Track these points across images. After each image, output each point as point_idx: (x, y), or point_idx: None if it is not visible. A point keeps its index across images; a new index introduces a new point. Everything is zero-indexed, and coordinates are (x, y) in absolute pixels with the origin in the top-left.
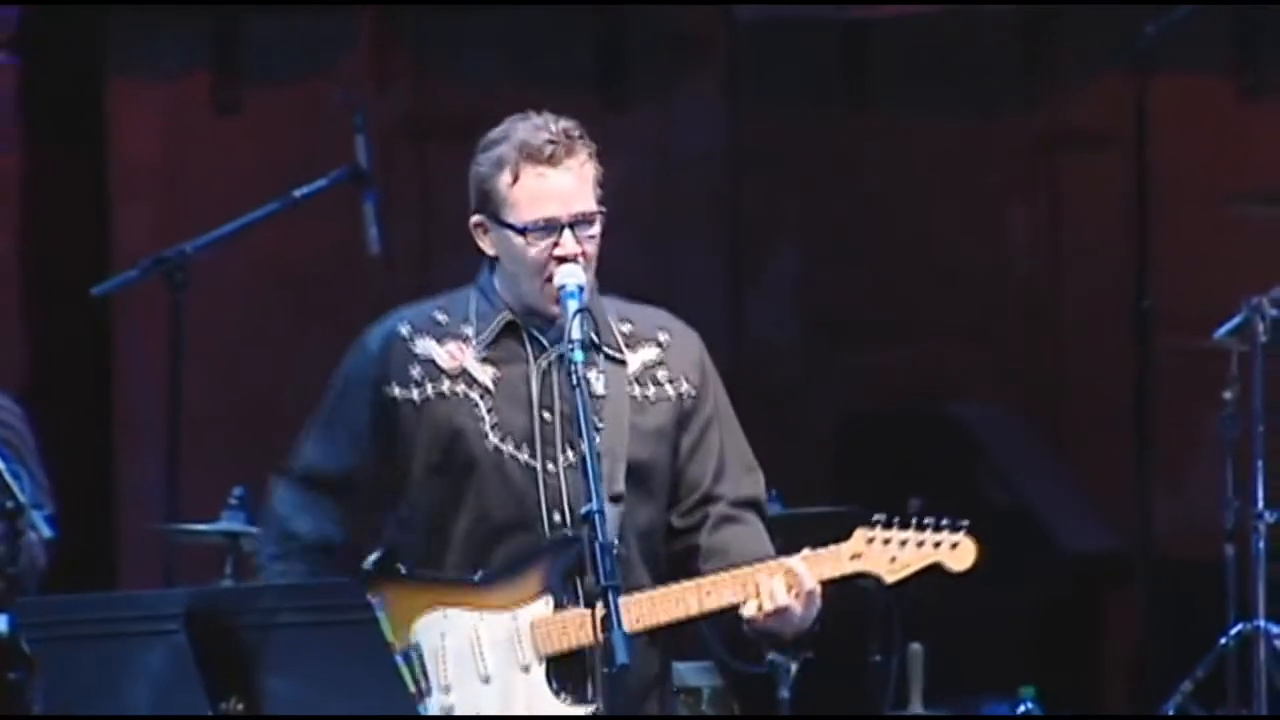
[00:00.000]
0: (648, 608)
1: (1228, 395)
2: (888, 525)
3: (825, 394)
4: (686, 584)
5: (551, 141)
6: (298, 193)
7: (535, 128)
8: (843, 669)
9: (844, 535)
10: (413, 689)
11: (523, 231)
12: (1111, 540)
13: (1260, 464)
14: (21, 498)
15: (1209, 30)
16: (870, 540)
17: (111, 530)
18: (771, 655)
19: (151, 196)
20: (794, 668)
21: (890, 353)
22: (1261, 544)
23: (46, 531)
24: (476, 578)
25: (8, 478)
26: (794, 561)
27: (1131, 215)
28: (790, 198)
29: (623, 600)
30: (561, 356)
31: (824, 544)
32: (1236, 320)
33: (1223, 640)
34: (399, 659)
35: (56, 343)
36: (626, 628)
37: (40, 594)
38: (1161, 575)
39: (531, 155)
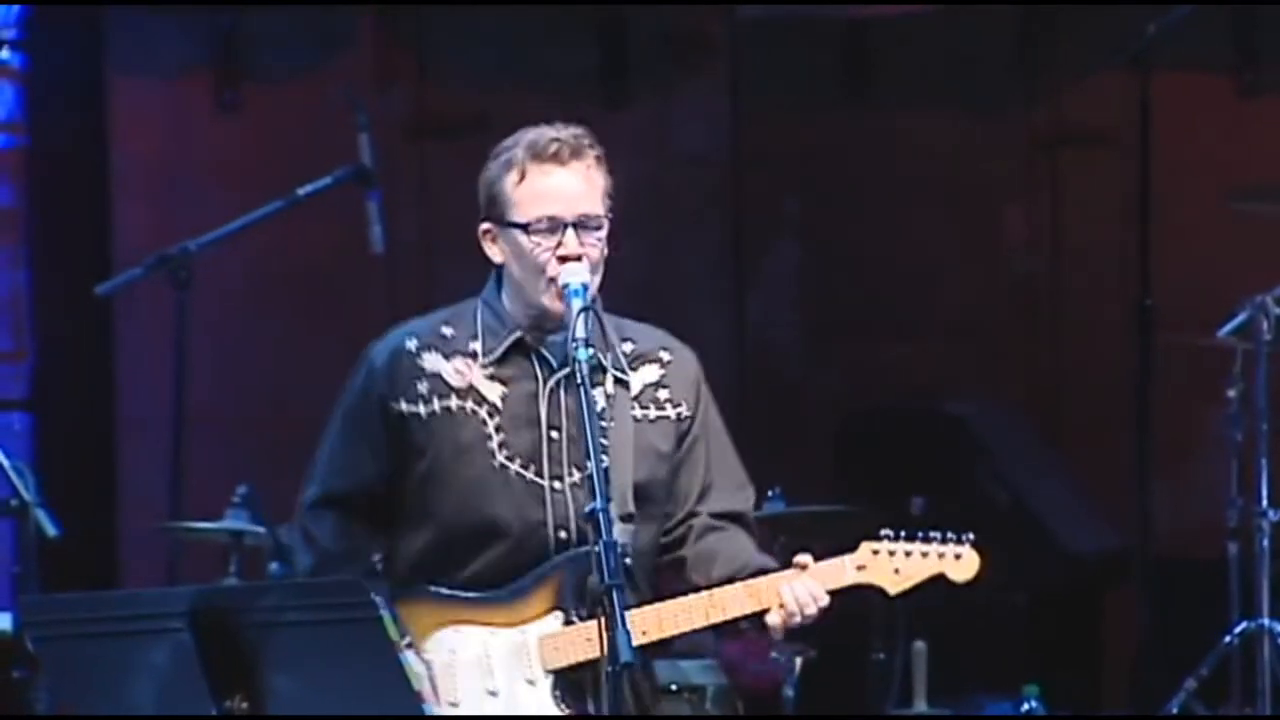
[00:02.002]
0: (653, 621)
1: (1231, 394)
2: (894, 538)
3: (826, 392)
4: (694, 598)
5: (557, 140)
6: (302, 191)
7: (543, 131)
8: (847, 667)
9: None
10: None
11: (526, 229)
12: (1114, 539)
13: (1264, 463)
14: (27, 495)
15: (1208, 28)
16: (875, 552)
17: (115, 528)
18: (774, 653)
19: (154, 195)
20: (798, 666)
21: (891, 351)
22: (1265, 542)
23: (51, 530)
24: (491, 596)
25: (12, 475)
26: (806, 578)
27: (1132, 213)
28: (790, 197)
29: (631, 613)
30: (569, 375)
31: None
32: (1240, 319)
33: (1227, 639)
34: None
35: (60, 341)
36: (634, 641)
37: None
38: (1164, 574)
39: (537, 154)
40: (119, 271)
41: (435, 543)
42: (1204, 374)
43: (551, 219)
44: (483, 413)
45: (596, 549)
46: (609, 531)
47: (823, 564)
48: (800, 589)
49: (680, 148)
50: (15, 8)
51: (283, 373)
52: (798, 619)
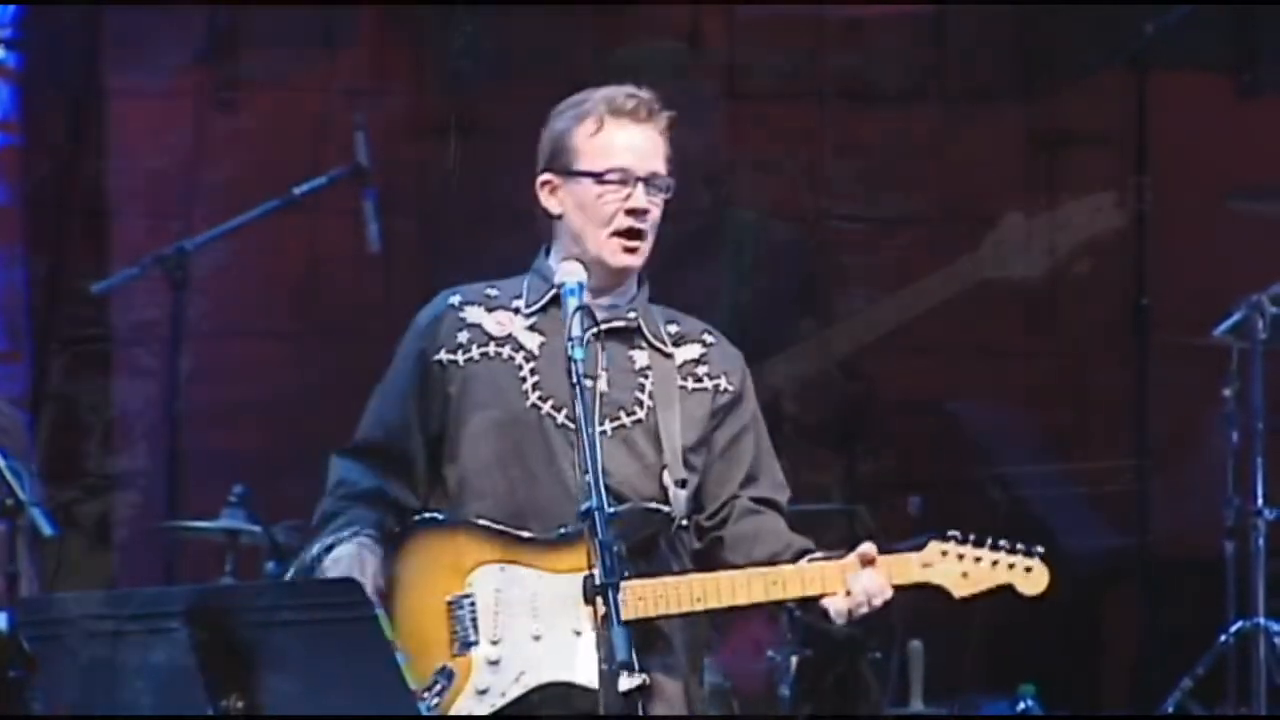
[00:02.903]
0: (711, 588)
1: (1227, 393)
2: (962, 541)
3: (825, 393)
4: (755, 572)
5: (635, 97)
6: (298, 190)
7: (618, 89)
8: (843, 666)
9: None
10: (462, 636)
11: (600, 178)
12: (1111, 538)
13: (1260, 461)
14: (22, 495)
15: (1208, 28)
16: (944, 553)
17: (111, 528)
18: (770, 652)
19: (151, 194)
20: (794, 665)
21: (890, 351)
22: (1261, 541)
23: (48, 529)
24: (539, 537)
25: (8, 475)
26: (873, 570)
27: (1130, 213)
28: (790, 197)
29: (682, 579)
30: (610, 331)
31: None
32: (1236, 318)
33: (1223, 638)
34: (398, 657)
35: (57, 340)
36: (686, 607)
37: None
38: (1161, 573)
39: (615, 109)
40: (116, 271)
41: (465, 477)
42: (1200, 373)
43: (624, 171)
44: (519, 358)
45: (635, 507)
46: (604, 531)
47: (890, 557)
48: (869, 580)
49: (679, 148)
50: (12, 6)
51: (279, 372)
52: (864, 609)
